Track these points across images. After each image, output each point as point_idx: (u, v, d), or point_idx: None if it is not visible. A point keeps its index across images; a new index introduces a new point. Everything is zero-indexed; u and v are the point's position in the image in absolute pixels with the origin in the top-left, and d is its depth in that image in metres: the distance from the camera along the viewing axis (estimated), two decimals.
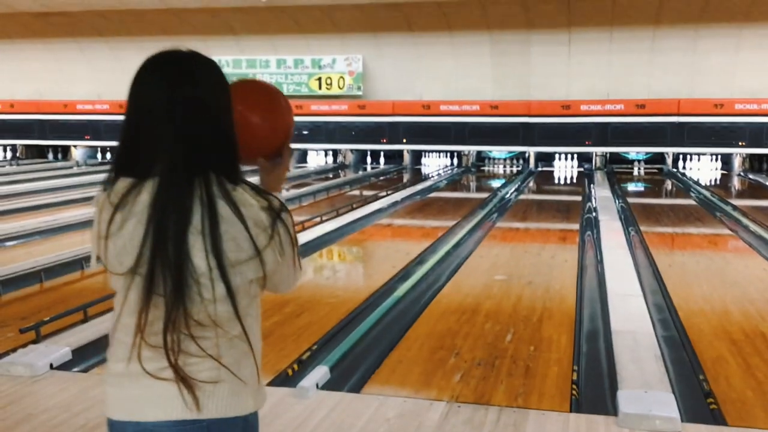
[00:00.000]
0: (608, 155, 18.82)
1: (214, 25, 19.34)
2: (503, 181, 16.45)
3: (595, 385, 4.20)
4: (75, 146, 21.88)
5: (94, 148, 22.06)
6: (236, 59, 20.14)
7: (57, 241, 8.55)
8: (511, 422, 3.55)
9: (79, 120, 21.23)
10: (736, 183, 16.89)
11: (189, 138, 1.60)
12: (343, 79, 19.80)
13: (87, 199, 12.22)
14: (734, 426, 3.55)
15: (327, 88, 19.92)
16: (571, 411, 3.76)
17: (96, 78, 21.08)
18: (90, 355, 4.56)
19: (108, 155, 22.16)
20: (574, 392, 4.01)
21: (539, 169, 19.00)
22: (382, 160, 20.55)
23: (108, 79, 20.91)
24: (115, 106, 20.86)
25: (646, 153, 18.95)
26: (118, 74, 20.73)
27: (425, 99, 19.19)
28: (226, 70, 19.97)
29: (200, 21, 19.20)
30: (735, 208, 11.42)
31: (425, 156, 20.29)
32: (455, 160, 20.00)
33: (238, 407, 1.63)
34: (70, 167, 19.71)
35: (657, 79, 18.06)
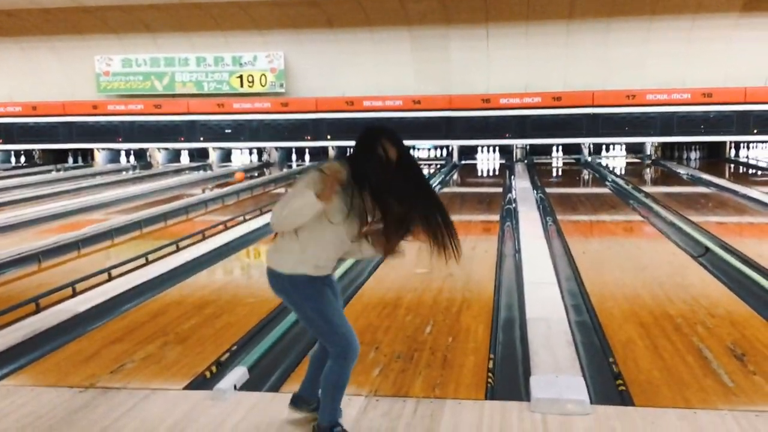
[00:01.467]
0: (528, 147, 19.24)
1: (130, 23, 18.88)
2: (428, 175, 16.61)
3: (510, 373, 4.30)
4: None
5: (8, 151, 21.25)
6: (153, 57, 19.69)
7: None
8: (428, 413, 3.60)
9: None
10: (648, 171, 17.50)
11: None
12: (265, 76, 19.61)
13: (2, 204, 11.80)
14: (641, 406, 3.69)
15: (249, 86, 19.69)
16: (486, 398, 3.84)
17: (8, 79, 20.31)
18: None
19: (22, 159, 21.39)
20: (489, 380, 4.09)
21: (462, 162, 19.27)
22: (307, 157, 20.47)
23: (20, 80, 20.20)
24: (27, 108, 20.16)
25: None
26: (29, 75, 20.06)
27: (348, 95, 19.19)
28: (144, 68, 19.60)
29: (115, 18, 18.71)
30: (647, 195, 11.84)
31: (350, 152, 20.28)
32: None
33: (282, 267, 3.07)
34: None
35: (572, 72, 18.56)
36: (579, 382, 3.83)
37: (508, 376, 4.24)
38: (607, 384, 4.05)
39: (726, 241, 7.60)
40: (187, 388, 4.04)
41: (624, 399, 3.80)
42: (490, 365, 4.32)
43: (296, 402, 3.47)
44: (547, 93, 18.45)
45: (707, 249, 7.36)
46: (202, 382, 4.13)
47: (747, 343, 4.59)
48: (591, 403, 3.62)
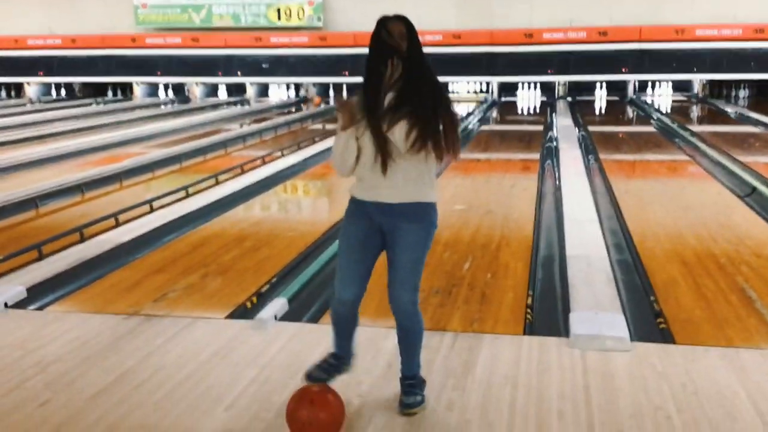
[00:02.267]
0: (568, 84, 18.82)
1: None
2: (467, 112, 16.39)
3: (548, 309, 4.28)
4: (28, 83, 21.25)
5: (48, 84, 21.46)
6: None
7: (9, 180, 8.37)
8: (467, 346, 3.61)
9: (31, 56, 20.56)
10: (696, 109, 17.04)
11: None
12: (303, 9, 19.35)
13: (42, 137, 11.97)
14: (682, 344, 3.65)
15: (286, 19, 19.47)
16: (524, 334, 3.83)
17: (48, 12, 20.35)
18: (45, 293, 4.52)
19: (63, 92, 21.59)
20: (528, 317, 4.08)
21: (502, 99, 18.96)
22: (344, 93, 20.32)
23: (59, 13, 20.22)
24: (67, 41, 20.24)
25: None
26: (68, 7, 20.07)
27: None
28: (182, 1, 19.46)
29: None
30: (693, 134, 11.55)
31: None
32: None
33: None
34: (24, 105, 19.19)
35: (619, 6, 17.95)
36: (619, 319, 3.80)
37: (546, 313, 4.22)
38: (648, 322, 4.01)
39: None
40: (228, 317, 4.10)
41: (665, 337, 3.77)
42: (529, 302, 4.31)
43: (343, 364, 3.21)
44: (592, 28, 17.92)
45: (754, 189, 7.18)
46: (243, 312, 4.18)
47: None
48: (631, 340, 3.60)
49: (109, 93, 21.40)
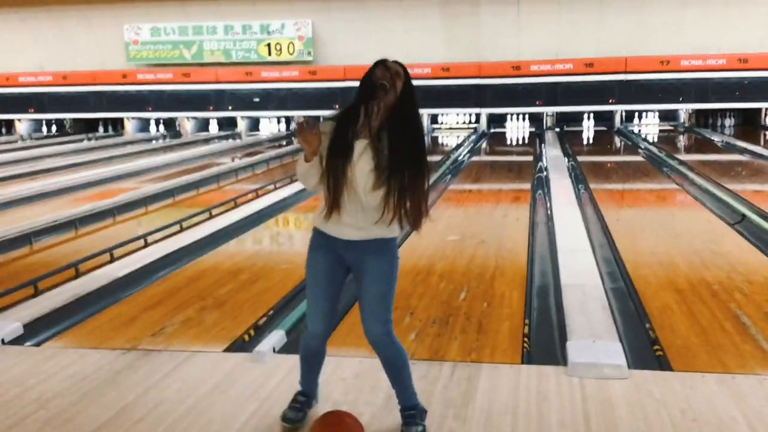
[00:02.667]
0: (557, 115, 19.02)
1: None
2: (456, 143, 16.51)
3: (545, 338, 4.31)
4: (19, 120, 21.29)
5: (39, 121, 21.50)
6: (182, 26, 19.70)
7: (2, 216, 8.36)
8: (465, 376, 3.63)
9: (22, 93, 20.64)
10: (682, 138, 17.24)
11: None
12: (293, 44, 19.55)
13: (34, 173, 11.97)
14: (679, 370, 3.68)
15: (277, 54, 19.65)
16: (522, 363, 3.85)
17: (39, 49, 20.47)
18: (42, 329, 4.51)
19: (53, 128, 21.63)
20: (525, 345, 4.11)
21: (491, 130, 19.12)
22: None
23: (51, 49, 20.33)
24: (58, 78, 20.33)
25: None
26: (60, 45, 20.20)
27: None
28: (172, 37, 19.63)
29: None
30: (681, 162, 11.68)
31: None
32: None
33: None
34: (15, 141, 19.20)
35: (605, 37, 18.22)
36: (616, 346, 3.83)
37: (544, 342, 4.24)
38: (644, 349, 4.04)
39: (763, 209, 7.48)
40: (226, 350, 4.11)
41: (662, 364, 3.80)
42: (526, 330, 4.33)
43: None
44: (578, 59, 18.17)
45: (743, 216, 7.26)
46: (241, 346, 4.19)
47: None
48: (628, 367, 3.62)
49: (100, 129, 21.45)
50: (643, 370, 3.66)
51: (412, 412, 3.03)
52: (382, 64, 2.82)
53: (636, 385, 3.46)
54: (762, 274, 5.32)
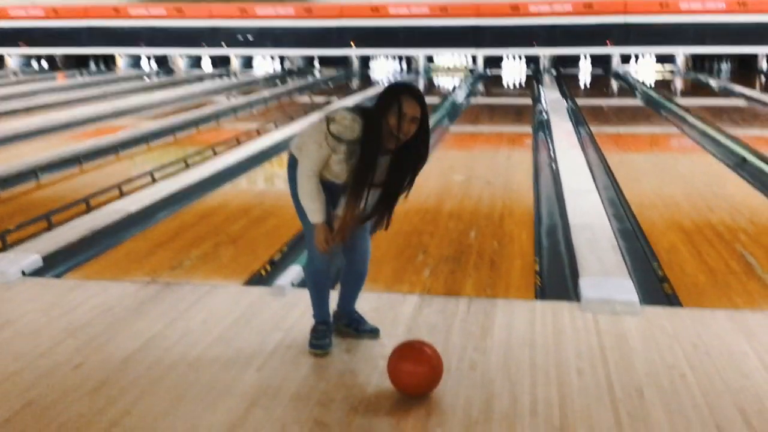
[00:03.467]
0: (554, 58, 18.91)
1: None
2: (454, 86, 16.42)
3: (557, 276, 4.41)
4: (9, 55, 20.93)
5: (29, 56, 21.15)
6: None
7: (4, 152, 8.33)
8: (482, 310, 3.73)
9: (12, 27, 20.24)
10: (679, 82, 17.22)
11: None
12: None
13: (28, 109, 11.86)
14: (688, 306, 3.80)
15: None
16: (536, 299, 3.96)
17: None
18: (60, 262, 4.57)
19: (44, 63, 21.30)
20: (538, 282, 4.21)
21: (488, 72, 19.01)
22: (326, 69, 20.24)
23: None
24: (49, 11, 19.93)
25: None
26: None
27: (374, 1, 18.80)
28: None
29: None
30: (679, 106, 11.71)
31: (373, 60, 20.07)
32: (404, 65, 19.85)
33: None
34: (5, 77, 18.93)
35: None
36: (628, 283, 3.93)
37: (555, 279, 4.35)
38: (654, 287, 4.16)
39: (762, 152, 7.57)
40: (246, 284, 4.19)
41: (671, 301, 3.92)
42: (537, 268, 4.43)
43: (333, 319, 3.45)
44: (578, 1, 17.97)
45: (744, 159, 7.35)
46: (259, 279, 4.28)
47: None
48: (640, 304, 3.73)
49: (92, 65, 21.15)
50: (654, 306, 3.77)
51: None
52: (410, 94, 2.90)
53: (648, 320, 3.57)
54: (765, 216, 5.43)
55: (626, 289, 3.85)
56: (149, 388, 2.96)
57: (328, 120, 2.95)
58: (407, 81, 3.05)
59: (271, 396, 2.89)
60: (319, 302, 3.32)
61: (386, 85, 3.04)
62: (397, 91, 2.92)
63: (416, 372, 2.89)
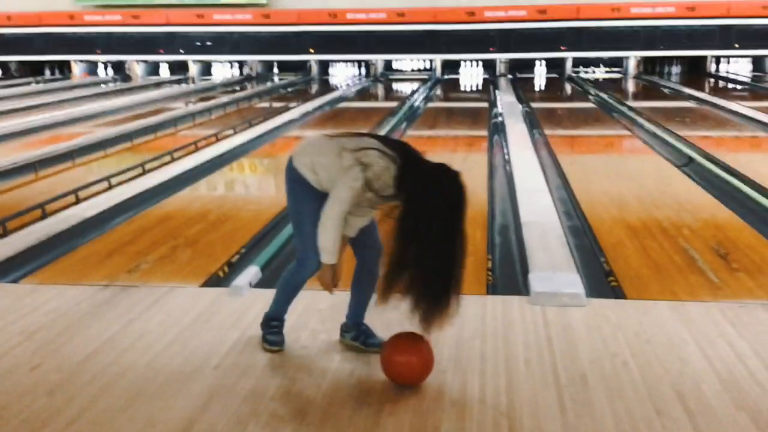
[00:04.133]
0: (510, 61, 19.19)
1: None
2: (411, 90, 16.58)
3: (508, 272, 4.55)
4: None
5: None
6: None
7: None
8: None
9: None
10: (630, 85, 17.62)
11: None
12: None
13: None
14: (632, 298, 3.96)
15: None
16: (487, 294, 4.08)
17: None
18: (15, 267, 4.58)
19: None
20: (489, 278, 4.34)
21: (445, 77, 19.22)
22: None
23: None
24: (2, 18, 19.66)
25: None
26: None
27: (331, 7, 18.89)
28: None
29: None
30: (631, 108, 12.02)
31: (332, 66, 20.16)
32: (363, 70, 19.98)
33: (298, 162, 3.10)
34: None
35: None
36: (575, 277, 4.08)
37: (506, 275, 4.49)
38: (600, 281, 4.31)
39: (708, 152, 7.83)
40: (203, 286, 4.24)
41: (616, 294, 4.07)
42: (489, 265, 4.56)
43: (341, 332, 3.42)
44: (532, 6, 18.29)
45: (690, 159, 7.60)
46: (217, 281, 4.33)
47: (730, 243, 4.87)
48: (586, 296, 3.88)
49: (47, 72, 20.87)
50: (600, 298, 3.92)
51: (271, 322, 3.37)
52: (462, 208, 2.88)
53: (593, 311, 3.72)
54: (708, 212, 5.64)
55: (573, 283, 4.00)
56: (106, 388, 3.01)
57: (362, 164, 2.89)
58: (460, 186, 2.90)
59: (228, 392, 2.96)
60: (286, 304, 3.35)
61: (454, 178, 2.89)
62: (458, 200, 2.86)
63: (410, 362, 2.98)
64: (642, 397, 2.88)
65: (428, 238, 2.80)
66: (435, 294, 2.85)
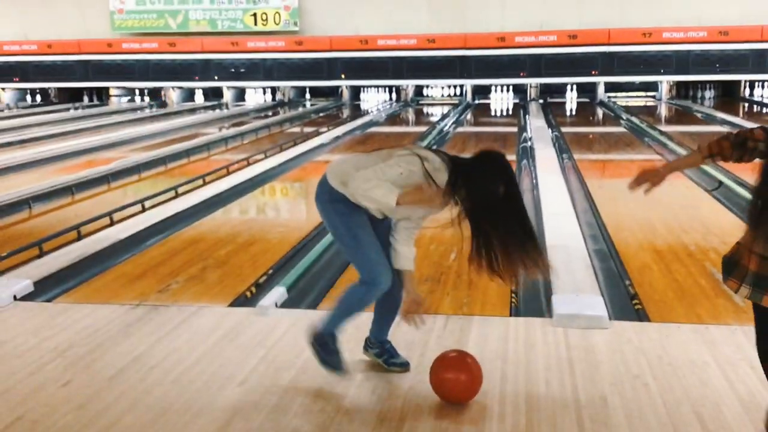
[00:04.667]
0: (541, 86, 19.23)
1: None
2: (441, 114, 16.69)
3: (532, 294, 4.55)
4: (3, 89, 21.18)
5: (24, 90, 21.40)
6: None
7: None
8: (458, 327, 3.87)
9: (7, 62, 20.52)
10: (663, 110, 17.52)
11: None
12: (279, 14, 19.56)
13: (23, 142, 12.05)
14: (656, 321, 3.95)
15: (263, 24, 19.66)
16: (510, 316, 4.11)
17: (22, 17, 20.31)
18: (50, 287, 4.70)
19: (38, 97, 21.55)
20: (513, 300, 4.36)
21: (476, 101, 19.31)
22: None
23: (35, 18, 20.20)
24: (43, 46, 20.22)
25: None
26: (44, 13, 20.07)
27: (362, 34, 19.15)
28: (157, 6, 19.54)
29: None
30: (662, 133, 11.96)
31: (364, 91, 20.38)
32: (394, 95, 20.16)
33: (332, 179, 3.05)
34: (1, 110, 19.15)
35: (588, 9, 18.40)
36: (598, 300, 4.09)
37: (530, 298, 4.49)
38: (624, 304, 4.31)
39: (739, 177, 7.76)
40: (231, 305, 4.33)
41: (640, 316, 4.07)
42: (514, 288, 4.58)
43: (365, 345, 3.45)
44: (562, 31, 18.35)
45: (720, 183, 7.55)
46: (244, 301, 4.41)
47: None
48: (609, 319, 3.88)
49: (85, 98, 21.40)
50: (623, 321, 3.92)
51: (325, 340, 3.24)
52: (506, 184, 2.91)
53: (616, 334, 3.72)
54: (736, 235, 5.56)
55: (596, 305, 4.00)
56: (134, 403, 3.09)
57: (420, 157, 2.93)
58: (503, 163, 2.97)
59: (252, 408, 3.02)
60: (347, 320, 3.25)
61: (487, 160, 2.96)
62: (497, 182, 2.88)
63: (458, 379, 3.04)
64: (662, 419, 2.88)
65: (498, 218, 2.93)
66: (523, 249, 2.99)
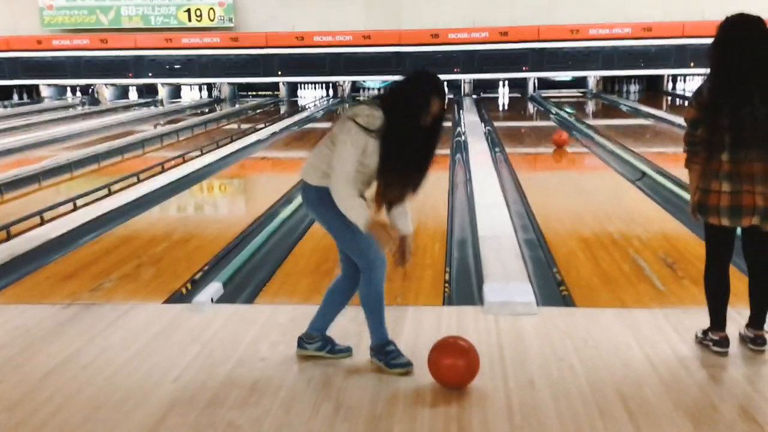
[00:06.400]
0: (474, 82, 19.52)
1: None
2: None
3: (464, 284, 4.68)
4: None
5: None
6: None
7: None
8: (392, 318, 3.91)
9: None
10: (590, 104, 18.00)
11: None
12: (213, 10, 19.33)
13: None
14: (582, 306, 4.11)
15: (197, 20, 19.39)
16: (444, 305, 4.21)
17: None
18: None
19: None
20: (446, 290, 4.47)
21: None
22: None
23: None
24: None
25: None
26: None
27: (298, 30, 19.08)
28: (88, 2, 19.08)
29: None
30: (589, 127, 12.30)
31: (301, 88, 20.33)
32: (331, 91, 20.17)
33: (311, 179, 3.16)
34: None
35: (519, 6, 18.73)
36: (527, 287, 4.22)
37: (463, 287, 4.62)
38: (552, 290, 4.46)
39: (661, 167, 8.08)
40: (165, 303, 4.32)
41: (567, 302, 4.23)
42: (446, 277, 4.70)
43: (299, 342, 3.46)
44: (494, 28, 18.65)
45: (643, 174, 7.84)
46: (180, 298, 4.40)
47: (677, 253, 5.07)
48: (537, 305, 4.02)
49: (15, 96, 20.76)
50: (550, 307, 4.07)
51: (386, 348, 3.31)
52: (438, 96, 3.06)
53: (544, 319, 3.86)
54: (658, 224, 5.85)
55: (525, 293, 4.14)
56: (66, 402, 3.07)
57: (352, 118, 3.02)
58: (432, 74, 3.12)
59: (186, 403, 3.04)
60: (382, 322, 3.31)
61: (415, 77, 3.10)
62: (427, 93, 3.03)
63: (456, 364, 3.10)
64: (586, 399, 3.01)
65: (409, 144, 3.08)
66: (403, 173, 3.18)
